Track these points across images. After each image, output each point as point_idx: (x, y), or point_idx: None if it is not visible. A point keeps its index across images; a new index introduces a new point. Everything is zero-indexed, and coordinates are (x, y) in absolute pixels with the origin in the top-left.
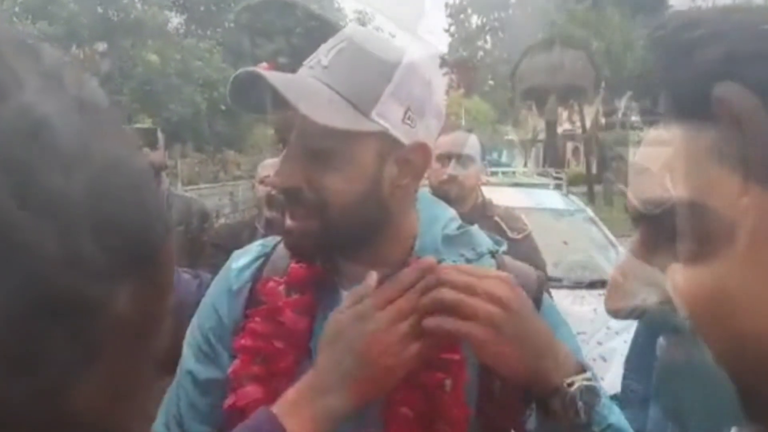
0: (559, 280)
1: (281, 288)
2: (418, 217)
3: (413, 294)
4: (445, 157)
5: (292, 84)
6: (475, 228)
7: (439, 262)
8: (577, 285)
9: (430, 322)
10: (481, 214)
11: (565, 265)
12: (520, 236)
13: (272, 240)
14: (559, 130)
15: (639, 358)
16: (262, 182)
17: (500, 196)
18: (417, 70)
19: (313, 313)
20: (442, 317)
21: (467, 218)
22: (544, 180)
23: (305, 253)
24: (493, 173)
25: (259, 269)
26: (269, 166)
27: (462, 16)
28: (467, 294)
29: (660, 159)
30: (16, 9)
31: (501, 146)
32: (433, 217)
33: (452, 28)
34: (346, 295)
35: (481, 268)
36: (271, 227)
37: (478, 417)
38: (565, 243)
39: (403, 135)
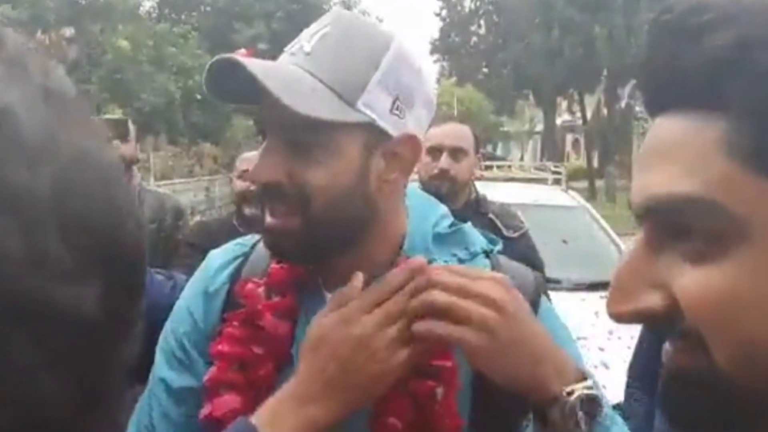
0: (558, 281)
1: (261, 290)
2: (407, 214)
3: (402, 296)
4: (436, 150)
5: (273, 72)
6: (468, 226)
7: (430, 262)
8: (578, 287)
9: (420, 326)
10: (474, 210)
11: (564, 265)
12: (516, 235)
13: (251, 239)
14: (558, 121)
15: (643, 365)
16: (240, 177)
17: (495, 192)
18: (406, 56)
19: (294, 317)
20: (432, 321)
21: (460, 215)
22: (542, 174)
23: (286, 253)
24: (488, 167)
25: (237, 270)
26: (248, 159)
27: None
28: (460, 296)
29: (666, 151)
30: None
31: (496, 138)
32: (424, 215)
33: (444, 12)
34: (330, 298)
35: (475, 268)
36: (250, 225)
37: (471, 428)
38: (565, 242)
39: (391, 126)
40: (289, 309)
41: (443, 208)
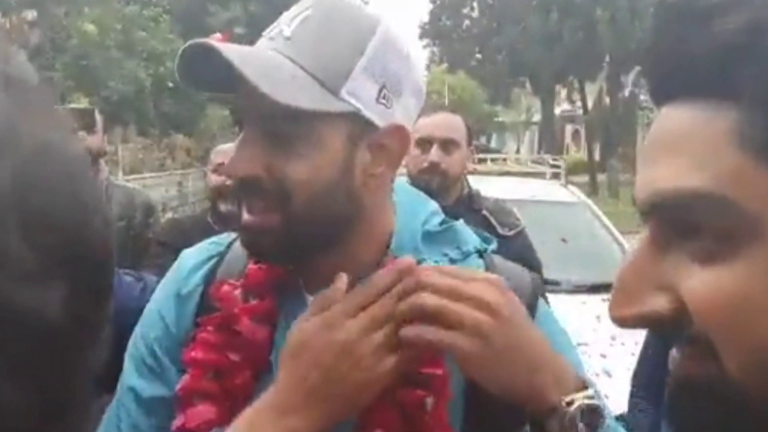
0: (557, 283)
1: (237, 292)
2: (395, 210)
3: (389, 299)
4: (426, 142)
5: (250, 58)
6: (460, 223)
7: (419, 262)
8: (578, 289)
9: (409, 331)
10: (467, 207)
11: (563, 265)
12: (512, 233)
13: (227, 237)
14: (557, 110)
15: (648, 373)
16: (215, 171)
17: (489, 187)
18: (393, 41)
19: (273, 321)
20: (422, 326)
21: (451, 212)
22: (539, 168)
23: (265, 252)
24: (481, 160)
25: (212, 271)
26: (223, 152)
27: None
28: (451, 299)
29: (673, 143)
30: None
31: (490, 129)
32: (412, 211)
33: None
34: (312, 301)
35: (468, 269)
36: (225, 222)
37: None
38: (564, 240)
39: (378, 116)
40: (267, 313)
41: (433, 205)
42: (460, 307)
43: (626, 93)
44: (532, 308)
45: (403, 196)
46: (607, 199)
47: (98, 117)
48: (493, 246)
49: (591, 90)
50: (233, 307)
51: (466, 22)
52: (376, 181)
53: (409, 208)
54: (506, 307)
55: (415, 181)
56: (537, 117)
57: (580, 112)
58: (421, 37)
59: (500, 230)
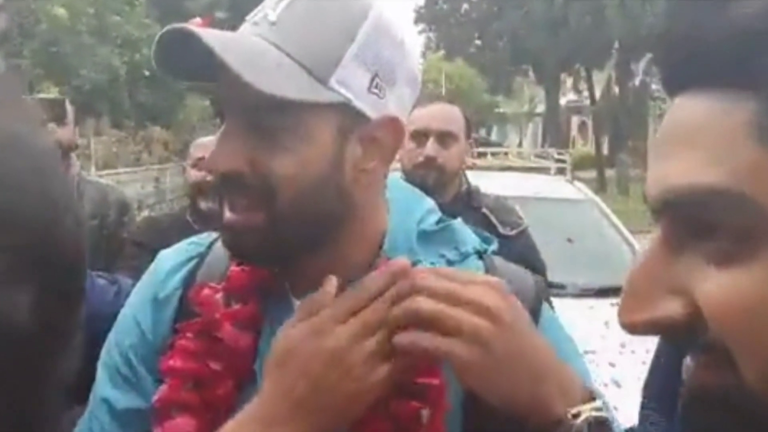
0: (563, 286)
1: (219, 296)
2: (388, 208)
3: (382, 304)
4: (422, 135)
5: (233, 44)
6: (458, 222)
7: (414, 264)
8: (585, 292)
9: (403, 338)
10: (465, 204)
11: (569, 267)
12: (513, 232)
13: (208, 237)
14: (562, 101)
15: (660, 383)
16: (195, 165)
17: (490, 183)
18: (387, 27)
19: (258, 328)
20: (417, 332)
21: (449, 210)
22: (543, 163)
23: (248, 253)
24: (481, 154)
25: (192, 273)
26: (204, 145)
27: None
28: (448, 304)
29: (687, 136)
30: None
31: (490, 121)
32: (407, 209)
33: None
34: (299, 305)
35: (466, 271)
36: (206, 221)
37: None
38: (570, 240)
39: (370, 107)
40: (251, 318)
41: (429, 202)
42: (458, 312)
43: (637, 82)
44: (535, 313)
45: (397, 193)
46: (616, 196)
47: (69, 108)
48: (494, 246)
49: (599, 79)
50: (214, 312)
51: (465, 5)
52: (367, 177)
53: (404, 205)
54: (507, 313)
55: (410, 176)
56: (541, 108)
57: (587, 102)
58: (417, 21)
59: (501, 229)
